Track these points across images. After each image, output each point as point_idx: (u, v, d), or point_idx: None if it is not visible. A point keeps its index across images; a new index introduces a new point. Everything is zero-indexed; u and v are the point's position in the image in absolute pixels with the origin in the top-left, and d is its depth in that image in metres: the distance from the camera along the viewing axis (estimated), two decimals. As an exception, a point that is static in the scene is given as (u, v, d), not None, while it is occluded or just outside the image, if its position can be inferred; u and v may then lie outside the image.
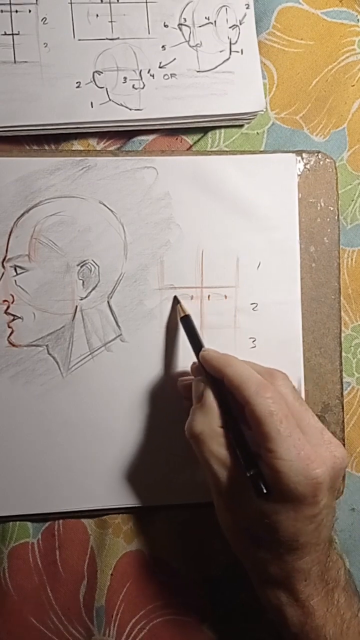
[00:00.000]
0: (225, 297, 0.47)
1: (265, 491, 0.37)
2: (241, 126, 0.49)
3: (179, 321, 0.45)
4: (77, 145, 0.48)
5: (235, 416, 0.39)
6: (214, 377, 0.41)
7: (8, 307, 0.45)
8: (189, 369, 0.45)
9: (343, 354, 0.49)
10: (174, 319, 0.46)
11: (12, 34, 0.45)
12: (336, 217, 0.49)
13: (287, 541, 0.37)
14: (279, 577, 0.38)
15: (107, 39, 0.46)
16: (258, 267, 0.47)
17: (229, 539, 0.41)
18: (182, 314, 0.45)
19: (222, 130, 0.49)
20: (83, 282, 0.45)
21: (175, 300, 0.46)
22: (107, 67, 0.46)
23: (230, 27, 0.48)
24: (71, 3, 0.46)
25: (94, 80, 0.46)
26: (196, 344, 0.43)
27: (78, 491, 0.45)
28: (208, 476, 0.40)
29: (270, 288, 0.47)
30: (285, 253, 0.48)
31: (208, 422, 0.39)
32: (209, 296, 0.47)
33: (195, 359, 0.43)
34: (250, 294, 0.47)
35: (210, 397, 0.40)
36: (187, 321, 0.45)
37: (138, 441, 0.46)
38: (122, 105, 0.46)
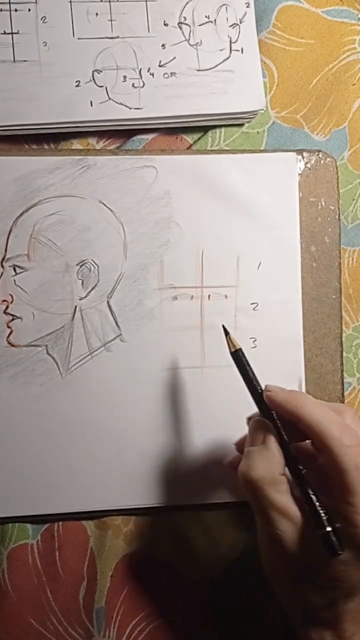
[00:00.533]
0: (226, 296, 0.47)
1: (340, 552, 0.35)
2: (241, 125, 0.49)
3: (229, 355, 0.42)
4: (76, 145, 0.48)
5: (300, 463, 0.37)
6: (272, 417, 0.39)
7: (7, 307, 0.44)
8: (188, 369, 0.45)
9: (344, 354, 0.49)
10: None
11: (12, 33, 0.45)
12: (337, 217, 0.49)
13: (347, 588, 0.36)
14: (327, 619, 0.37)
15: (106, 37, 0.46)
16: (258, 266, 0.47)
17: (275, 586, 0.39)
18: (233, 349, 0.41)
19: (222, 129, 0.49)
20: (82, 281, 0.45)
21: (225, 331, 0.42)
22: (106, 65, 0.46)
23: (230, 26, 0.48)
24: (71, 2, 0.46)
25: (93, 79, 0.46)
26: (251, 383, 0.40)
27: (78, 492, 0.45)
28: (263, 525, 0.38)
29: (270, 288, 0.47)
30: (285, 252, 0.48)
31: (269, 467, 0.37)
32: (209, 296, 0.47)
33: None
34: (251, 293, 0.47)
35: (273, 441, 0.38)
36: (238, 357, 0.41)
37: (138, 442, 0.45)
38: (121, 104, 0.46)
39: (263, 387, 0.40)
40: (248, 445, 0.39)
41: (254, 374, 0.40)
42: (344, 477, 0.35)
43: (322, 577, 0.36)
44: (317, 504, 0.36)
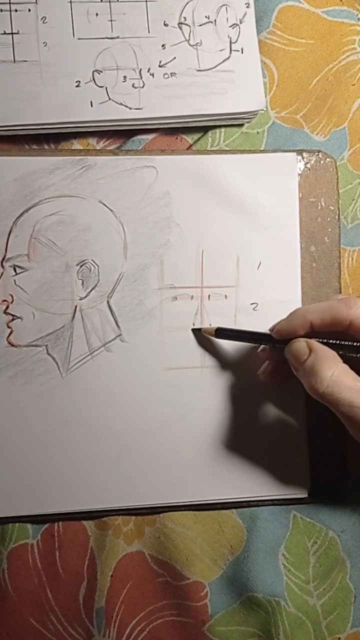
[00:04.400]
0: (226, 296, 0.47)
1: None
2: (241, 125, 0.49)
3: (216, 339, 0.46)
4: (76, 145, 0.48)
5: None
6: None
7: (7, 307, 0.44)
8: (188, 369, 0.45)
9: (344, 354, 0.49)
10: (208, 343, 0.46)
11: (12, 33, 0.45)
12: (337, 217, 0.49)
13: None
14: None
15: (106, 37, 0.46)
16: (258, 266, 0.47)
17: None
18: (214, 333, 0.45)
19: (222, 130, 0.49)
20: (82, 281, 0.45)
21: (195, 330, 0.46)
22: (106, 66, 0.46)
23: (230, 26, 0.48)
24: (71, 2, 0.46)
25: (93, 79, 0.46)
26: (255, 335, 0.45)
27: (78, 492, 0.45)
28: (351, 417, 0.38)
29: (270, 288, 0.47)
30: (285, 253, 0.48)
31: (330, 364, 0.39)
32: (209, 296, 0.47)
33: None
34: (251, 293, 0.47)
35: (318, 345, 0.40)
36: (224, 331, 0.45)
37: (138, 441, 0.45)
38: (121, 104, 0.46)
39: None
40: (297, 367, 0.41)
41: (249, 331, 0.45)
42: None
43: None
44: None
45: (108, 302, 0.46)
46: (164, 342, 0.46)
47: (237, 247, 0.47)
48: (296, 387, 0.48)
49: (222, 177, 0.47)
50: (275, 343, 0.43)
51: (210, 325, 0.46)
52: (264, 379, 0.46)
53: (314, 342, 0.41)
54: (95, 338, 0.45)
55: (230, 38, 0.48)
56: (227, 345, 0.47)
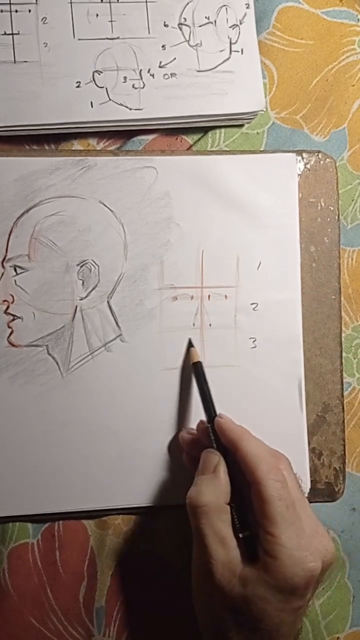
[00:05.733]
0: (226, 297, 0.47)
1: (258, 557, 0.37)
2: (241, 126, 0.49)
3: (191, 366, 0.45)
4: (77, 145, 0.48)
5: (241, 491, 0.39)
6: (224, 446, 0.40)
7: (8, 307, 0.44)
8: (188, 369, 0.45)
9: (343, 354, 0.49)
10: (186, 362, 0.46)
11: (12, 34, 0.45)
12: (336, 217, 0.49)
13: (268, 631, 0.36)
14: None
15: (107, 38, 0.46)
16: (258, 267, 0.47)
17: (201, 621, 0.40)
18: (194, 361, 0.45)
19: (222, 130, 0.49)
20: (83, 282, 0.45)
21: (190, 344, 0.46)
22: (107, 66, 0.46)
23: (230, 27, 0.48)
24: (71, 3, 0.46)
25: (93, 79, 0.46)
26: (207, 404, 0.43)
27: (78, 491, 0.45)
28: (199, 552, 0.39)
29: (270, 288, 0.47)
30: (285, 253, 0.48)
31: (217, 495, 0.39)
32: (209, 296, 0.47)
33: (202, 415, 0.43)
34: (251, 293, 0.47)
35: (223, 471, 0.39)
36: (198, 369, 0.44)
37: (138, 441, 0.45)
38: (122, 104, 0.46)
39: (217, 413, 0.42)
40: (198, 472, 0.41)
41: (211, 399, 0.43)
42: (267, 507, 0.37)
43: (244, 614, 0.36)
44: (243, 515, 0.38)
45: (108, 302, 0.46)
46: (164, 342, 0.46)
47: (237, 247, 0.47)
48: (296, 386, 0.48)
49: (222, 178, 0.47)
50: (211, 427, 0.42)
51: (210, 325, 0.46)
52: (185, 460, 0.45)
53: (223, 468, 0.40)
54: (95, 338, 0.45)
55: (230, 39, 0.48)
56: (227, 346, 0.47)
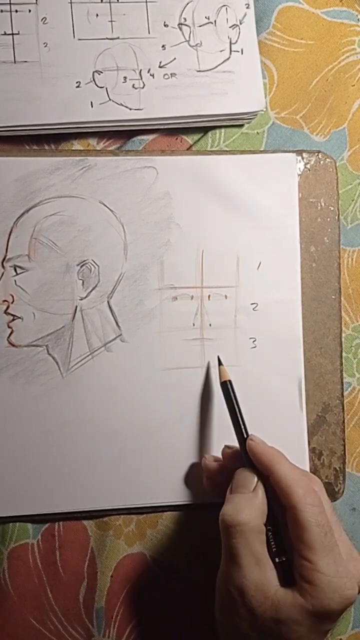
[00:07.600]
0: (226, 297, 0.47)
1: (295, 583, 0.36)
2: (241, 126, 0.49)
3: (220, 386, 0.44)
4: (77, 145, 0.48)
5: (275, 513, 0.39)
6: (257, 468, 0.40)
7: (8, 307, 0.44)
8: (188, 369, 0.45)
9: (343, 354, 0.49)
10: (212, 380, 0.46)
11: (12, 34, 0.45)
12: (336, 217, 0.49)
13: None
14: None
15: (107, 38, 0.46)
16: (258, 267, 0.47)
17: (222, 637, 0.40)
18: (222, 379, 0.44)
19: (222, 130, 0.49)
20: (83, 282, 0.45)
21: (219, 361, 0.45)
22: (107, 66, 0.46)
23: (230, 27, 0.48)
24: (71, 3, 0.46)
25: (93, 79, 0.46)
26: (239, 425, 0.42)
27: (78, 492, 0.45)
28: (229, 569, 0.38)
29: (270, 288, 0.47)
30: (285, 253, 0.48)
31: (255, 515, 0.38)
32: (209, 296, 0.47)
33: (233, 439, 0.42)
34: (251, 293, 0.47)
35: (262, 492, 0.39)
36: (227, 388, 0.44)
37: (138, 441, 0.45)
38: (122, 104, 0.46)
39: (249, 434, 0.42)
40: (234, 490, 0.40)
41: (243, 420, 0.42)
42: (304, 533, 0.36)
43: (272, 636, 0.36)
44: (280, 539, 0.38)
45: (108, 302, 0.46)
46: (164, 342, 0.46)
47: (237, 247, 0.47)
48: (296, 386, 0.48)
49: (222, 178, 0.47)
50: (242, 448, 0.42)
51: (210, 325, 0.46)
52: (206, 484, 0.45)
53: (261, 488, 0.39)
54: (95, 338, 0.45)
55: (230, 39, 0.48)
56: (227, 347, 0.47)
